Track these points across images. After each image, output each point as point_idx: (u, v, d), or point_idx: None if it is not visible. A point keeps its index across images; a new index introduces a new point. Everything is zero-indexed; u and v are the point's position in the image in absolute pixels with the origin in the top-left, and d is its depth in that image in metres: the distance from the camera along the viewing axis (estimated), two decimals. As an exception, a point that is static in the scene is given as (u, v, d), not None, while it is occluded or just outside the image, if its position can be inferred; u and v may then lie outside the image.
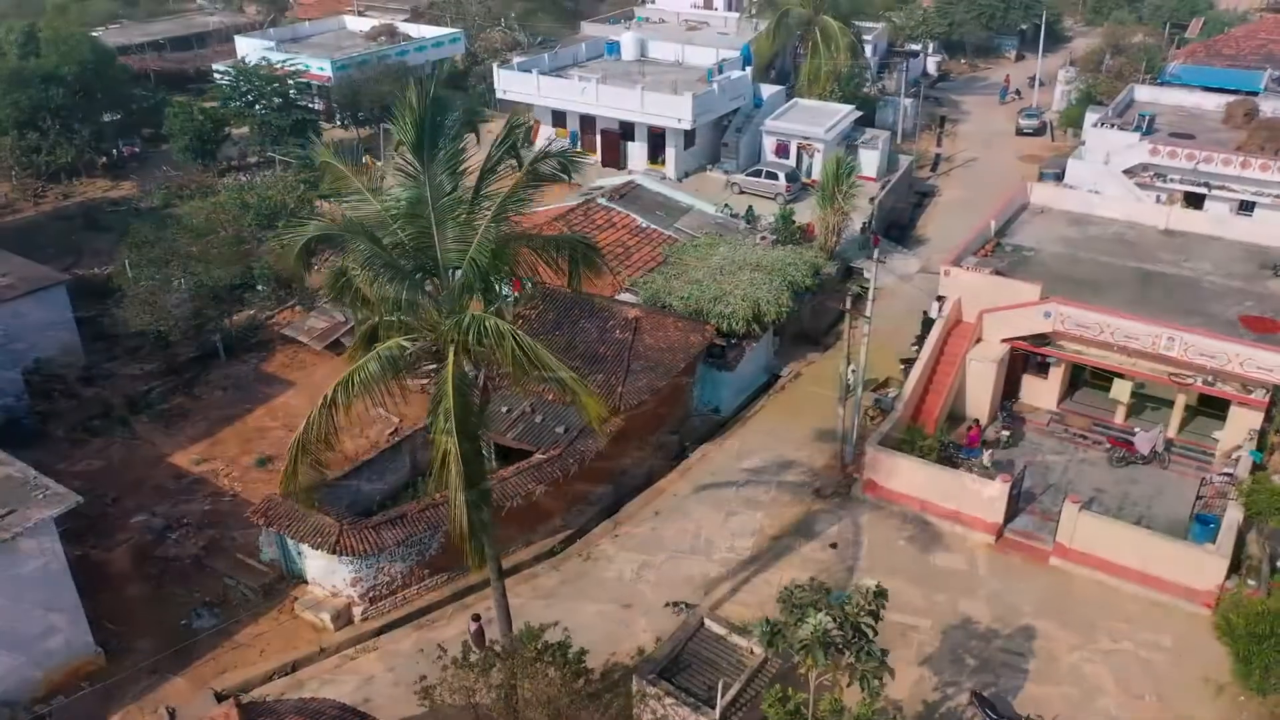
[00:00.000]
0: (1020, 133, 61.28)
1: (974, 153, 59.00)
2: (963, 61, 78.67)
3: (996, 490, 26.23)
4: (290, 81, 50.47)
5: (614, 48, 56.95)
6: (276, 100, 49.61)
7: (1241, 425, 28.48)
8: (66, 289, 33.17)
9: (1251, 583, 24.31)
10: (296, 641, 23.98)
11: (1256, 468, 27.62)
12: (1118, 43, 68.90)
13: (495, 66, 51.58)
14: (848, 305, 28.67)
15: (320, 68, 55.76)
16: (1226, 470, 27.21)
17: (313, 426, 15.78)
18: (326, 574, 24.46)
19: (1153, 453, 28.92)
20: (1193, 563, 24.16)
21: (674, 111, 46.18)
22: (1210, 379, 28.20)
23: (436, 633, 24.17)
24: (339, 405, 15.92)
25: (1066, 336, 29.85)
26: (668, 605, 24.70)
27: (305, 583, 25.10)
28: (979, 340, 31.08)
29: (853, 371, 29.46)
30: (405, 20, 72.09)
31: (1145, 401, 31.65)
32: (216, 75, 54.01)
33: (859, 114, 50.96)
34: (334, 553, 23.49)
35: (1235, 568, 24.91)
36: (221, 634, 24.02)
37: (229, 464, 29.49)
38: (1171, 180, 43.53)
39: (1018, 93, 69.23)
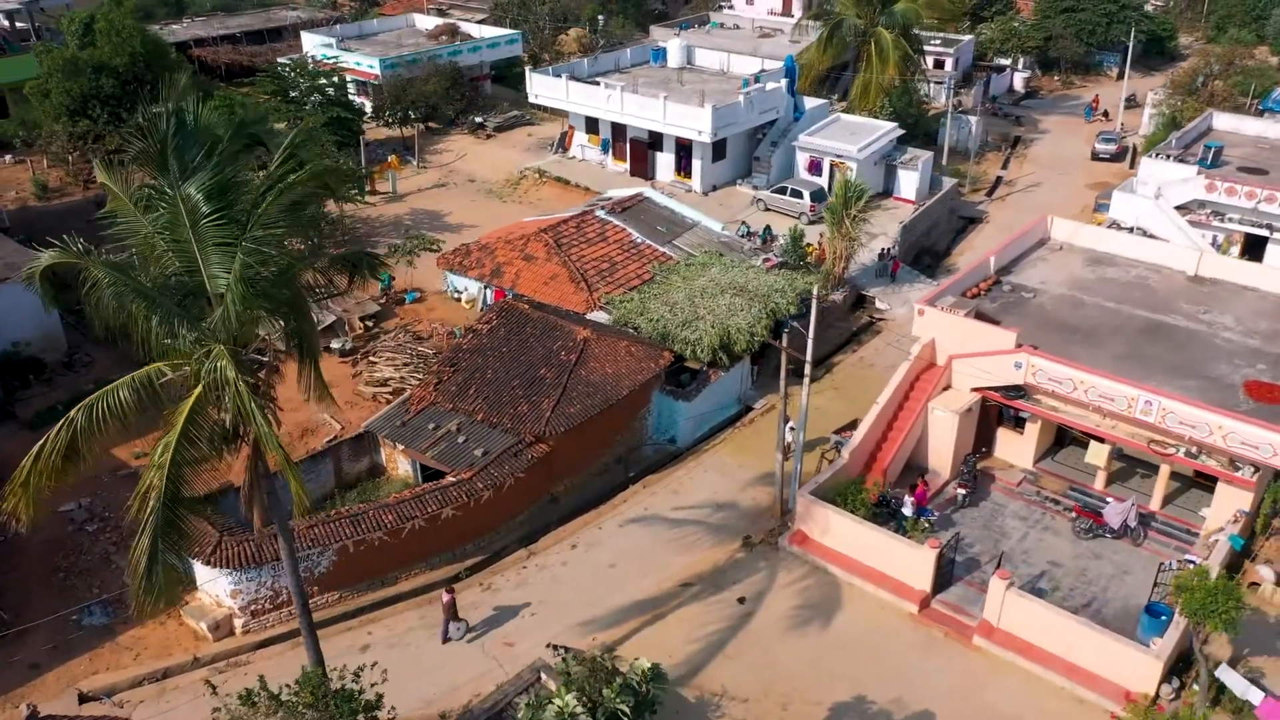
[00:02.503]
0: (1096, 157, 57.09)
1: (1041, 177, 55.29)
2: (1055, 78, 73.98)
3: (922, 556, 24.01)
4: (331, 79, 50.97)
5: (660, 54, 55.66)
6: (319, 96, 50.16)
7: (1228, 505, 25.33)
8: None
9: (1197, 686, 21.52)
10: (174, 648, 23.86)
11: (1237, 556, 24.55)
12: (1231, 62, 63.34)
13: (528, 70, 51.00)
14: (783, 343, 26.57)
15: (370, 65, 56.37)
16: (1188, 558, 24.18)
17: (47, 447, 15.26)
18: (211, 583, 24.24)
19: (1124, 526, 26.02)
20: (1123, 660, 21.50)
21: (695, 123, 44.63)
22: (1194, 451, 25.17)
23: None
24: (80, 430, 15.37)
25: (1041, 391, 27.20)
26: (550, 646, 23.44)
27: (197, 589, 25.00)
28: (947, 388, 28.66)
29: (791, 429, 27.38)
30: (482, 20, 72.57)
31: (1135, 467, 28.62)
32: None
33: (901, 132, 48.20)
34: (209, 563, 23.27)
35: (1187, 667, 22.19)
36: (106, 633, 24.14)
37: (169, 460, 29.61)
38: (1231, 220, 39.60)
39: (1105, 114, 64.64)
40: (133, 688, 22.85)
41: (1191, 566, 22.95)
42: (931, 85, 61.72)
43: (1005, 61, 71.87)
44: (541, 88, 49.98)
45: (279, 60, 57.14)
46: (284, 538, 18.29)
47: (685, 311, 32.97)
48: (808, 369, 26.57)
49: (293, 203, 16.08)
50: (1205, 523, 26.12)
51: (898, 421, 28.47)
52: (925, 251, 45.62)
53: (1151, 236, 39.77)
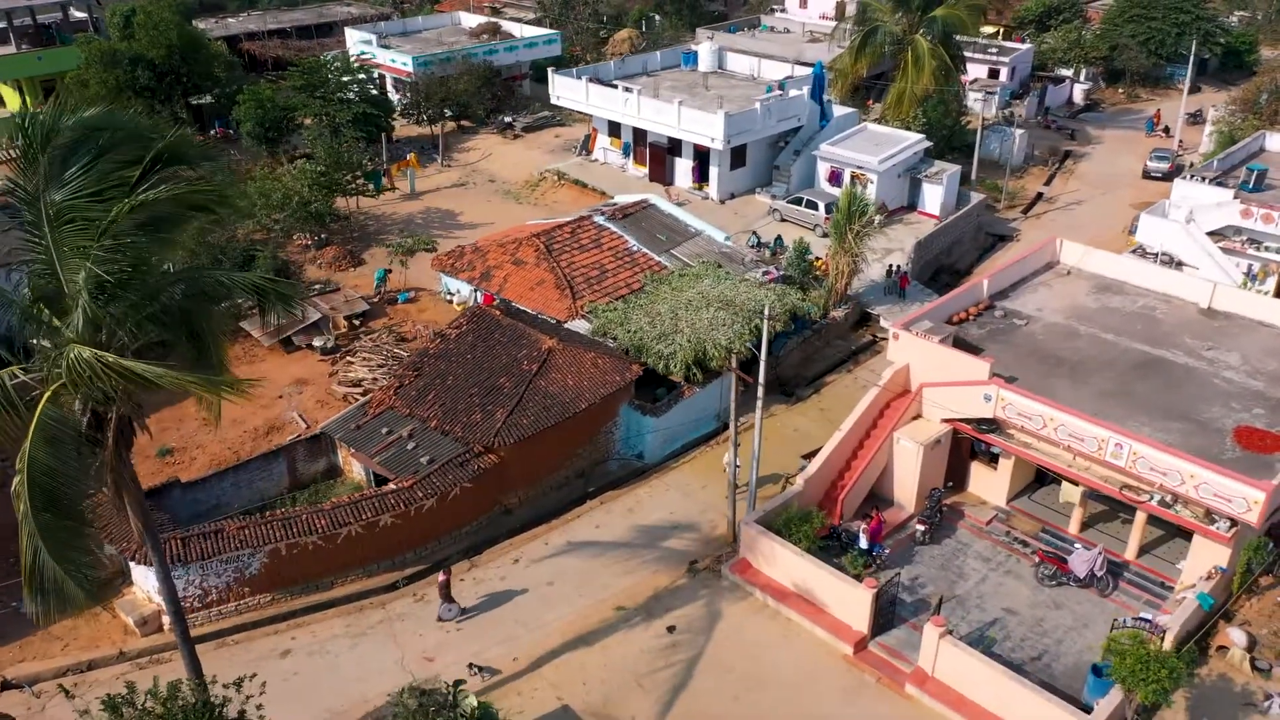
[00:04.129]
0: (1148, 175, 54.23)
1: (1085, 195, 52.73)
2: (1120, 90, 70.65)
3: (859, 595, 22.79)
4: (371, 75, 51.37)
5: (690, 58, 54.73)
6: (348, 92, 50.57)
7: (1205, 560, 23.50)
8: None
9: (1139, 758, 19.98)
10: (103, 641, 24.01)
11: (1207, 616, 22.75)
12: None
13: (550, 71, 50.56)
14: (733, 365, 25.51)
15: (404, 63, 56.68)
16: (1143, 616, 22.44)
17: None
18: (142, 578, 24.36)
19: (1090, 575, 24.35)
20: (1055, 722, 20.05)
21: (708, 129, 43.63)
22: (1168, 500, 23.40)
23: (240, 651, 23.63)
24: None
25: (1012, 426, 25.66)
26: (470, 666, 22.94)
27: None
28: (916, 417, 27.28)
29: (734, 465, 26.15)
30: (531, 20, 72.49)
31: (1118, 511, 26.83)
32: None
33: (928, 144, 46.42)
34: (134, 559, 23.36)
35: (1134, 734, 20.62)
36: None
37: (134, 452, 29.93)
38: (1268, 249, 37.06)
39: (1166, 129, 61.45)
40: (56, 678, 23.04)
41: (1143, 625, 21.39)
42: (981, 94, 59.45)
43: (1066, 72, 68.92)
44: (563, 89, 49.52)
45: (318, 56, 57.97)
46: (153, 546, 18.11)
47: (665, 324, 32.15)
48: (760, 392, 25.52)
49: (159, 217, 15.64)
50: (1181, 576, 24.31)
51: (862, 450, 27.21)
52: (945, 269, 43.83)
53: (1179, 263, 37.58)
